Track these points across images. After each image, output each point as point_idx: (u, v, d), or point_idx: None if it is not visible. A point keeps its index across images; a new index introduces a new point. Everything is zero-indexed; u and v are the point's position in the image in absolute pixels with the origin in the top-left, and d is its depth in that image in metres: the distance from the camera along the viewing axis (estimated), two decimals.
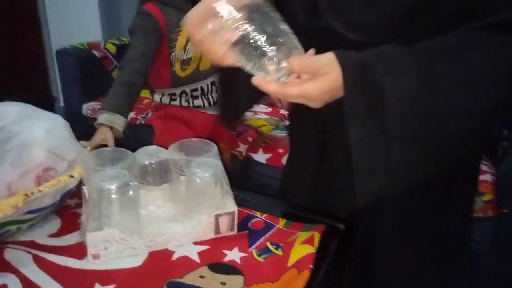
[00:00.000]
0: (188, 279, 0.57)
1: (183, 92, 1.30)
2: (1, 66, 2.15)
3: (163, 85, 1.30)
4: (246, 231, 0.68)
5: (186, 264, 0.60)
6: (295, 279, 0.56)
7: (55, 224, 0.68)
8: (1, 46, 2.30)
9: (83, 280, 0.56)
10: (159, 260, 0.61)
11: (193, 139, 0.74)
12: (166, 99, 1.32)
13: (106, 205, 0.60)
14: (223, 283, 0.57)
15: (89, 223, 0.59)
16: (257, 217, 0.72)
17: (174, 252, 0.62)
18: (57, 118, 0.69)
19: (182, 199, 0.69)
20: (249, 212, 0.72)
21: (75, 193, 0.71)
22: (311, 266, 0.59)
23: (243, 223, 0.69)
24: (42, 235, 0.64)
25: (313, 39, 0.53)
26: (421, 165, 0.51)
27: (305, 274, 0.57)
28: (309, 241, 0.63)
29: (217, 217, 0.65)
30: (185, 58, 1.26)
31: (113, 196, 0.59)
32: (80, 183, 0.69)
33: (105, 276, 0.57)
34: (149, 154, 0.69)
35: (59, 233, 0.66)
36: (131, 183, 0.61)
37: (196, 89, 1.31)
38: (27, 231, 0.64)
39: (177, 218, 0.68)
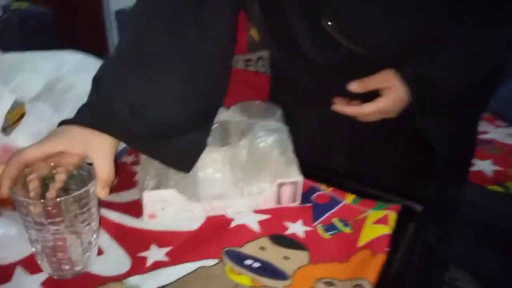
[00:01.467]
0: (247, 249, 0.53)
1: (260, 57, 1.24)
2: (61, 27, 2.19)
3: (238, 51, 1.25)
4: (310, 204, 0.62)
5: (245, 232, 0.56)
6: (368, 262, 0.50)
7: None
8: (61, 6, 2.34)
9: (139, 239, 0.53)
10: (217, 226, 0.56)
11: (257, 101, 0.68)
12: (241, 65, 1.27)
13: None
14: (286, 257, 0.52)
15: (147, 181, 0.56)
16: (322, 191, 0.65)
17: (232, 219, 0.58)
18: None
19: (242, 164, 0.64)
20: (312, 183, 0.66)
21: (132, 150, 0.69)
22: (387, 249, 0.52)
23: (306, 195, 0.63)
24: None
25: (334, 71, 0.66)
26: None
27: (380, 258, 0.50)
28: (383, 221, 0.56)
29: (280, 185, 0.59)
30: None
31: None
32: None
33: (162, 237, 0.54)
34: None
35: (115, 188, 0.63)
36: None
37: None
38: None
39: (237, 184, 0.63)
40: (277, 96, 0.77)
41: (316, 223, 0.58)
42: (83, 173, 0.47)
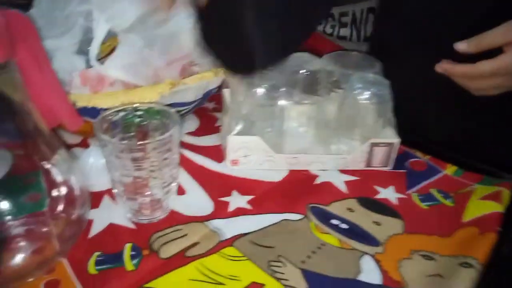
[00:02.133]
0: (334, 208, 0.49)
1: (330, 14, 1.12)
2: None
3: None
4: (404, 170, 0.56)
5: (331, 191, 0.51)
6: (476, 240, 0.44)
7: (193, 123, 0.64)
8: None
9: (221, 183, 0.51)
10: (301, 180, 0.53)
11: (353, 51, 0.62)
12: None
13: (251, 110, 0.53)
14: (376, 223, 0.47)
15: (232, 126, 0.53)
16: (418, 157, 0.58)
17: (317, 175, 0.54)
18: None
19: (331, 119, 0.59)
20: (406, 148, 0.59)
21: (213, 97, 0.66)
22: (499, 228, 0.45)
23: (399, 159, 0.56)
24: (181, 132, 0.61)
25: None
26: None
27: (490, 237, 0.44)
28: (494, 197, 0.49)
29: (372, 146, 0.54)
30: None
31: (261, 101, 0.52)
32: (220, 86, 0.63)
33: (244, 184, 0.51)
34: (300, 61, 0.59)
35: (197, 132, 0.62)
36: (281, 90, 0.53)
37: (346, 14, 1.09)
38: None
39: (324, 140, 0.58)
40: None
41: (410, 190, 0.52)
42: (163, 116, 0.44)
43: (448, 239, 0.45)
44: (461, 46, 0.45)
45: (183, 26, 0.58)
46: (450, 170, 0.56)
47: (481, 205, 0.48)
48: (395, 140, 0.54)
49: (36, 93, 0.38)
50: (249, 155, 0.53)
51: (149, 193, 0.43)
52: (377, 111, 0.54)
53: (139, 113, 0.45)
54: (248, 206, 0.48)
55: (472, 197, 0.50)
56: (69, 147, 0.55)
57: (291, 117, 0.59)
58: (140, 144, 0.39)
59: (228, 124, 0.54)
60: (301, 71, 0.58)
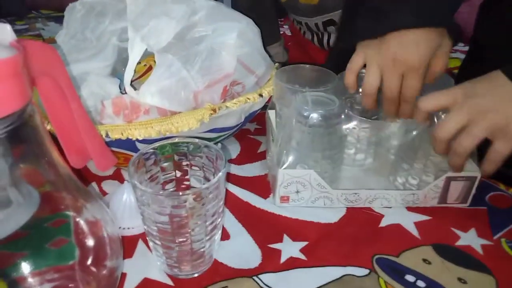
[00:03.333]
0: (406, 259, 0.40)
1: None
2: None
3: None
4: (484, 207, 0.47)
5: (400, 236, 0.43)
6: None
7: (234, 149, 0.58)
8: None
9: (269, 225, 0.44)
10: (363, 221, 0.45)
11: (307, 65, 0.54)
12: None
13: (303, 138, 0.46)
14: (462, 280, 0.38)
15: (283, 156, 0.46)
16: (501, 190, 0.49)
17: (382, 216, 0.46)
18: (249, 21, 0.55)
19: (396, 145, 0.51)
20: (486, 179, 0.50)
21: (255, 117, 0.60)
22: None
23: (477, 193, 0.48)
24: None
25: None
26: None
27: None
28: None
29: (449, 180, 0.45)
30: None
31: (317, 127, 0.44)
32: (265, 106, 0.57)
33: (295, 227, 0.44)
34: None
35: (238, 159, 0.56)
36: (341, 114, 0.45)
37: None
38: None
39: (388, 170, 0.50)
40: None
41: (498, 235, 0.43)
42: (208, 153, 0.38)
43: None
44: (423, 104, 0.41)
45: (225, 42, 0.53)
46: None
47: None
48: (477, 173, 0.45)
49: (63, 131, 0.33)
50: (302, 191, 0.46)
51: (188, 238, 0.36)
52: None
53: (181, 148, 0.39)
54: (302, 256, 0.41)
55: None
56: (100, 179, 0.50)
57: (350, 142, 0.52)
58: (178, 195, 0.33)
59: (276, 154, 0.47)
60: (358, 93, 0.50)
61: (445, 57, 0.43)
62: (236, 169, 0.53)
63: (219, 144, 0.56)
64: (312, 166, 0.45)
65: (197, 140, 0.38)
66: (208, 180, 0.39)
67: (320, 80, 0.51)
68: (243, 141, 0.60)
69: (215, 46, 0.52)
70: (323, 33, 0.89)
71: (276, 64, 0.62)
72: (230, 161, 0.55)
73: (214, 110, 0.47)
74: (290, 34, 1.11)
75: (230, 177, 0.51)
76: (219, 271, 0.39)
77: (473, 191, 0.46)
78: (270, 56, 0.98)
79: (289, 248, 0.41)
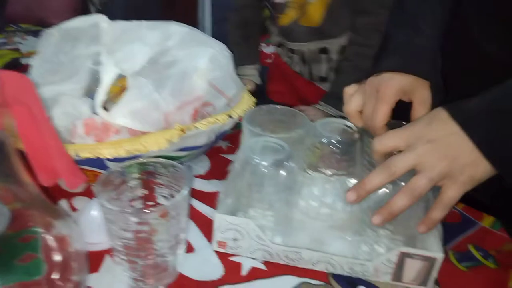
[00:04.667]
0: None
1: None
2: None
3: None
4: None
5: None
6: None
7: (204, 165, 0.61)
8: None
9: None
10: None
11: (280, 106, 0.55)
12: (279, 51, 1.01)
13: (249, 183, 0.43)
14: None
15: (223, 199, 0.45)
16: None
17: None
18: (221, 46, 0.59)
19: (369, 205, 0.45)
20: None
21: (228, 136, 0.63)
22: None
23: None
24: (189, 175, 0.57)
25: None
26: None
27: None
28: None
29: (403, 256, 0.41)
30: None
31: (263, 173, 0.42)
32: (238, 124, 0.60)
33: (233, 265, 0.44)
34: (332, 128, 0.49)
35: (207, 175, 0.58)
36: (288, 163, 0.43)
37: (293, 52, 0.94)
38: None
39: (345, 231, 0.47)
40: None
41: (445, 247, 0.47)
42: (173, 172, 0.41)
43: None
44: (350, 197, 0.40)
45: (196, 66, 0.56)
46: (487, 221, 0.50)
47: None
48: (438, 255, 0.40)
49: (34, 152, 0.35)
50: (239, 239, 0.43)
51: (152, 253, 0.38)
52: (423, 206, 0.41)
53: (148, 168, 0.41)
54: (263, 267, 0.43)
55: None
56: (71, 196, 0.52)
57: (312, 194, 0.50)
58: (142, 213, 0.35)
59: (224, 194, 0.45)
60: (331, 140, 0.47)
61: (425, 106, 0.45)
62: (202, 184, 0.56)
63: (185, 164, 0.58)
64: (254, 214, 0.44)
65: (164, 160, 0.41)
66: (174, 197, 0.41)
67: (292, 123, 0.52)
68: (213, 159, 0.63)
69: (187, 69, 0.55)
70: (313, 63, 0.92)
71: (249, 86, 0.65)
72: (199, 176, 0.58)
73: (183, 131, 0.50)
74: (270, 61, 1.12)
75: (196, 193, 0.54)
76: (183, 283, 0.41)
77: (434, 274, 0.41)
78: (243, 76, 1.02)
79: (251, 260, 0.44)
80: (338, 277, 0.43)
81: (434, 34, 0.50)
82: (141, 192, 0.42)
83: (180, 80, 0.54)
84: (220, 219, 0.43)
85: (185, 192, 0.37)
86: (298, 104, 0.89)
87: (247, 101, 0.60)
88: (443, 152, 0.36)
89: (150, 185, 0.42)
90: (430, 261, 0.40)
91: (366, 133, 0.48)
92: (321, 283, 0.42)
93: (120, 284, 0.40)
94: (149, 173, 0.42)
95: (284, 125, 0.53)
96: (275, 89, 1.03)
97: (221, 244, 0.44)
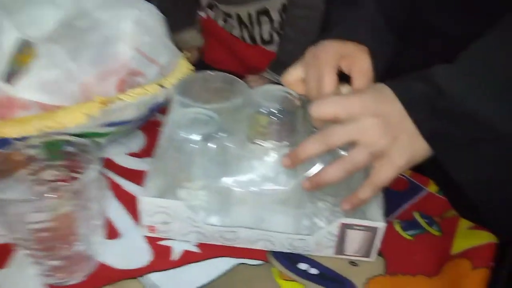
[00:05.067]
0: None
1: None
2: None
3: None
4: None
5: None
6: (467, 279, 0.36)
7: (138, 141, 0.55)
8: None
9: None
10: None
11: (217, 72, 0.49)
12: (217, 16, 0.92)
13: (179, 159, 0.39)
14: (353, 263, 0.39)
15: (150, 180, 0.40)
16: None
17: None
18: (149, 7, 0.53)
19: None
20: None
21: (165, 109, 0.57)
22: (492, 263, 0.37)
23: None
24: (120, 152, 0.52)
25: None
26: None
27: (482, 274, 0.36)
28: None
29: (344, 227, 0.38)
30: None
31: (192, 149, 0.38)
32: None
33: (163, 249, 0.40)
34: (272, 96, 0.45)
35: (141, 153, 0.53)
36: (219, 136, 0.39)
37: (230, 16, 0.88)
38: (106, 147, 0.52)
39: (288, 206, 0.43)
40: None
41: (391, 216, 0.44)
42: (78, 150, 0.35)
43: (435, 279, 0.37)
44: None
45: (120, 30, 0.49)
46: (433, 187, 0.48)
47: (471, 235, 0.41)
48: (380, 224, 0.38)
49: None
50: (170, 222, 0.39)
51: (61, 244, 0.33)
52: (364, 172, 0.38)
53: (54, 146, 0.36)
54: (196, 249, 0.39)
55: (460, 223, 0.43)
56: None
57: (251, 167, 0.44)
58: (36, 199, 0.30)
59: (150, 172, 0.40)
60: (271, 110, 0.43)
61: (365, 76, 0.41)
62: (135, 163, 0.51)
63: (118, 140, 0.53)
64: (191, 194, 0.40)
65: (70, 137, 0.35)
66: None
67: (229, 91, 0.46)
68: (150, 134, 0.57)
69: (109, 35, 0.49)
70: (254, 25, 0.86)
71: (188, 54, 0.59)
72: (132, 154, 0.53)
73: (104, 103, 0.44)
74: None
75: (128, 172, 0.49)
76: (103, 274, 0.37)
77: (377, 243, 0.39)
78: (184, 42, 0.93)
79: (183, 243, 0.40)
80: (277, 255, 0.39)
81: (379, 8, 0.45)
82: (49, 174, 0.36)
83: (101, 46, 0.48)
84: (146, 202, 0.38)
85: (92, 173, 0.32)
86: (243, 71, 0.83)
87: (183, 69, 0.55)
88: (386, 130, 0.34)
89: (57, 167, 0.36)
90: (372, 230, 0.38)
91: (309, 100, 0.44)
92: (259, 262, 0.39)
93: (30, 280, 0.35)
94: (57, 153, 0.36)
95: (220, 94, 0.48)
96: (212, 57, 0.94)
97: (151, 228, 0.40)
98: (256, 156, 0.46)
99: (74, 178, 0.35)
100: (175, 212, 0.38)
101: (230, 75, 0.49)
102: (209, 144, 0.38)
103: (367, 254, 0.39)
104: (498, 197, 0.37)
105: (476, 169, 0.35)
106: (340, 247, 0.39)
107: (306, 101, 0.44)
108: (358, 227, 0.38)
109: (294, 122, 0.44)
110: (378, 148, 0.34)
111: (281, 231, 0.39)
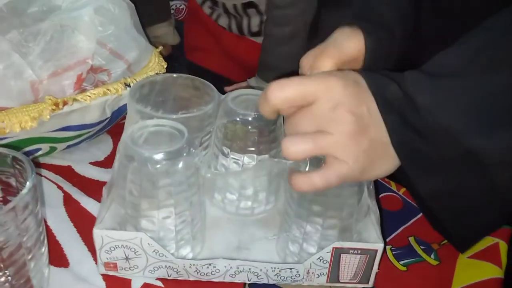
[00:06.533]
0: None
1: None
2: None
3: None
4: None
5: None
6: None
7: (104, 148, 0.49)
8: None
9: None
10: None
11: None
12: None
13: (140, 183, 0.32)
14: None
15: (106, 207, 0.34)
16: (392, 191, 0.46)
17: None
18: None
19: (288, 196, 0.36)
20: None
21: None
22: None
23: None
24: (83, 161, 0.46)
25: None
26: None
27: None
28: (489, 254, 0.37)
29: (337, 252, 0.34)
30: None
31: (152, 172, 0.31)
32: None
33: (120, 283, 0.34)
34: (247, 102, 0.39)
35: (105, 162, 0.47)
36: (188, 154, 0.32)
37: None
38: (66, 153, 0.46)
39: (269, 227, 0.39)
40: None
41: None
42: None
43: None
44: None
45: (79, 18, 0.43)
46: None
47: (474, 267, 0.36)
48: (378, 246, 0.33)
49: None
50: (133, 258, 0.33)
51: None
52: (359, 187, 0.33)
53: None
54: (159, 284, 0.34)
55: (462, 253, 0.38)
56: None
57: (227, 186, 0.39)
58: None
59: (105, 196, 0.35)
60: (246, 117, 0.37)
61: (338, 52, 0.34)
62: (98, 173, 0.44)
63: (82, 146, 0.46)
64: (150, 222, 0.33)
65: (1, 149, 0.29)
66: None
67: (196, 97, 0.40)
68: (119, 139, 0.51)
69: (66, 23, 0.42)
70: (243, 16, 0.79)
71: (160, 47, 0.52)
72: (95, 163, 0.46)
73: (57, 105, 0.38)
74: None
75: (88, 185, 0.42)
76: None
77: (375, 268, 0.35)
78: (155, 37, 0.85)
79: (143, 277, 0.34)
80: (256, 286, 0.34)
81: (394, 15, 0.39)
82: None
83: (56, 36, 0.41)
84: (101, 235, 0.32)
85: (26, 195, 0.26)
86: (227, 63, 0.76)
87: (155, 66, 0.49)
88: (359, 132, 0.28)
89: None
90: (370, 253, 0.33)
91: None
92: None
93: None
94: None
95: (186, 102, 0.41)
96: (195, 44, 0.86)
97: (110, 266, 0.34)
98: (231, 173, 0.40)
99: (5, 201, 0.29)
100: (139, 246, 0.32)
101: (198, 78, 0.41)
102: (177, 166, 0.31)
103: (365, 280, 0.35)
104: (459, 206, 0.32)
105: (441, 182, 0.30)
106: (334, 275, 0.35)
107: None
108: (353, 251, 0.33)
109: (274, 131, 0.39)
110: (346, 147, 0.28)
111: (265, 261, 0.34)
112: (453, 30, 0.33)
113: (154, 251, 0.32)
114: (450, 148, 0.28)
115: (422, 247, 0.39)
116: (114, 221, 0.34)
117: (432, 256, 0.38)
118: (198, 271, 0.34)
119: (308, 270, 0.34)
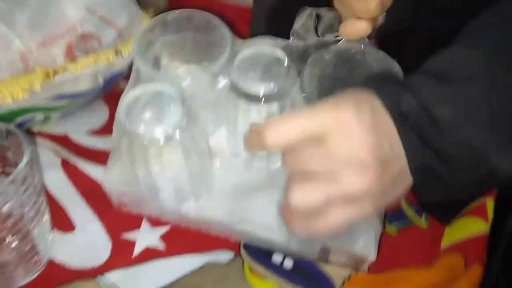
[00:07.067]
0: None
1: None
2: None
3: None
4: None
5: None
6: (463, 276, 0.34)
7: (100, 116, 0.49)
8: None
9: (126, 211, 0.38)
10: None
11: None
12: None
13: (135, 155, 0.32)
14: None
15: (113, 161, 0.35)
16: None
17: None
18: None
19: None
20: None
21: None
22: (485, 256, 0.35)
23: None
24: (79, 129, 0.46)
25: None
26: None
27: (477, 271, 0.34)
28: (476, 211, 0.38)
29: (326, 251, 0.34)
30: None
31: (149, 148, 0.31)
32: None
33: (124, 244, 0.36)
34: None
35: (102, 130, 0.47)
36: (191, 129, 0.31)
37: None
38: (61, 122, 0.46)
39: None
40: None
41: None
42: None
43: (424, 275, 0.35)
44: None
45: None
46: None
47: (462, 224, 0.37)
48: (371, 254, 0.33)
49: None
50: (140, 205, 0.36)
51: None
52: None
53: None
54: (160, 245, 0.35)
55: None
56: None
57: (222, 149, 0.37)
58: None
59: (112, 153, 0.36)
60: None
61: None
62: (96, 142, 0.45)
63: (77, 114, 0.46)
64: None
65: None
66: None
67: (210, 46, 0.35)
68: (115, 107, 0.51)
69: None
70: None
71: (151, 10, 0.51)
72: (92, 132, 0.47)
73: (48, 75, 0.38)
74: None
75: (86, 152, 0.43)
76: (54, 274, 0.33)
77: (364, 267, 0.35)
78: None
79: (147, 236, 0.36)
80: (251, 248, 0.36)
81: None
82: None
83: (43, 5, 0.40)
84: (111, 185, 0.34)
85: (24, 167, 0.27)
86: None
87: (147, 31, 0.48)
88: (383, 187, 0.24)
89: None
90: (364, 262, 0.34)
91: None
92: (230, 258, 0.35)
93: None
94: None
95: (201, 51, 0.36)
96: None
97: (122, 204, 0.37)
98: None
99: (4, 173, 0.30)
100: (143, 199, 0.34)
101: (213, 16, 0.35)
102: (174, 142, 0.30)
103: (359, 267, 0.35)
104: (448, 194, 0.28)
105: (446, 194, 0.27)
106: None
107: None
108: (342, 253, 0.33)
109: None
110: (366, 196, 0.24)
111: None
112: (453, 30, 0.27)
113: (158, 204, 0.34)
114: (472, 170, 0.24)
115: (412, 209, 0.40)
116: (121, 173, 0.34)
117: (423, 218, 0.39)
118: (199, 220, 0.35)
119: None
